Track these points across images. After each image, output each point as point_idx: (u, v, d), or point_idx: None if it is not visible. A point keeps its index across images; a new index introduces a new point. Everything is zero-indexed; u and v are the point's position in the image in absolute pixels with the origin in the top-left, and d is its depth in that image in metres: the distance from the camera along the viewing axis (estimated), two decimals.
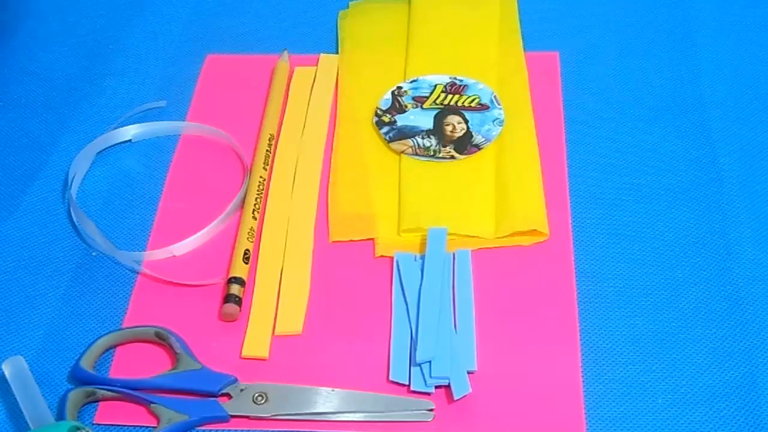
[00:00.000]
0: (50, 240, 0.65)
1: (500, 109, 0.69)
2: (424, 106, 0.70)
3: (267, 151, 0.69)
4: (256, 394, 0.56)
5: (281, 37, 0.78)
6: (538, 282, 0.60)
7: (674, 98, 0.71)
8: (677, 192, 0.65)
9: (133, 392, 0.56)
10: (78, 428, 0.52)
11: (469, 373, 0.55)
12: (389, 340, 0.58)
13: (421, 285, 0.59)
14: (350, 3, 0.80)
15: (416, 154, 0.67)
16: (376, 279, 0.61)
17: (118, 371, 0.58)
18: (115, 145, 0.71)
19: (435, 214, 0.64)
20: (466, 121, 0.69)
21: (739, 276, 0.60)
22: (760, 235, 0.62)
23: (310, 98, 0.73)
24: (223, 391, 0.56)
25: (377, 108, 0.71)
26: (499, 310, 0.59)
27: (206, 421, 0.55)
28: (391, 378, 0.56)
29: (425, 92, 0.71)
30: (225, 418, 0.55)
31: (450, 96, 0.71)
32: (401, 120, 0.70)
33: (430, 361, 0.55)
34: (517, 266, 0.61)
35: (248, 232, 0.63)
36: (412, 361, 0.56)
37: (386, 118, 0.70)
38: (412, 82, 0.72)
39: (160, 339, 0.59)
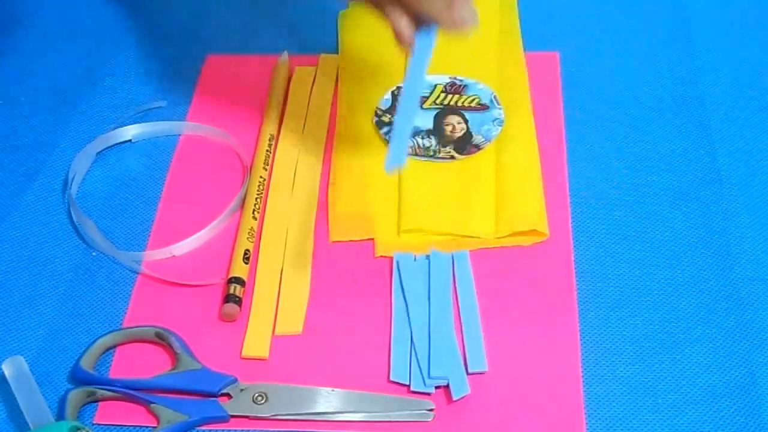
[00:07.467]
0: (50, 240, 0.65)
1: (500, 109, 0.69)
2: (424, 106, 0.70)
3: (267, 151, 0.68)
4: (256, 394, 0.56)
5: (281, 37, 0.78)
6: (538, 282, 0.60)
7: (674, 98, 0.71)
8: (677, 192, 0.65)
9: (133, 392, 0.56)
10: (78, 428, 0.52)
11: (479, 373, 0.56)
12: (389, 340, 0.58)
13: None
14: (350, 3, 0.80)
15: (416, 154, 0.67)
16: (376, 279, 0.61)
17: (118, 371, 0.58)
18: (115, 145, 0.71)
19: (435, 214, 0.64)
20: (466, 121, 0.69)
21: (739, 276, 0.60)
22: (760, 235, 0.62)
23: (310, 98, 0.73)
24: (223, 391, 0.56)
25: (377, 108, 0.71)
26: (498, 310, 0.59)
27: (206, 421, 0.55)
28: (391, 378, 0.56)
29: (425, 92, 0.71)
30: (225, 418, 0.55)
31: (450, 96, 0.71)
32: None
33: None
34: (517, 266, 0.61)
35: (248, 232, 0.63)
36: (413, 364, 0.56)
37: (386, 118, 0.70)
38: None
39: (160, 339, 0.59)
